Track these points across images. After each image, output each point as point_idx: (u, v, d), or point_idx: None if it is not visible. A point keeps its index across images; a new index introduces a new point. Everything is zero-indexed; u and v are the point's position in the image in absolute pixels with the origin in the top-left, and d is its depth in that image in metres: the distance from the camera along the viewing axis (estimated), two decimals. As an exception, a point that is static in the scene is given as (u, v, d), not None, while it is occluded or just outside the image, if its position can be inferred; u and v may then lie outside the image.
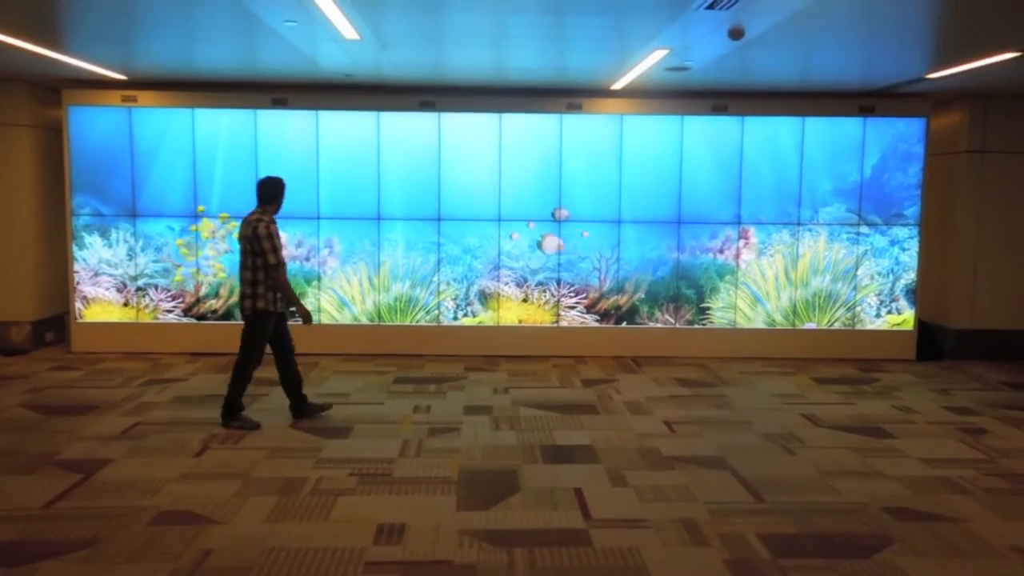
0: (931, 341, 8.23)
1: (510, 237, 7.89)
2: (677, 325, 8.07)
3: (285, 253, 6.20)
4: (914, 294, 8.06)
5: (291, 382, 5.72)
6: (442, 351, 8.00)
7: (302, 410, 5.77)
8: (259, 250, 5.33)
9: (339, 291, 7.99)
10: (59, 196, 7.97)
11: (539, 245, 7.92)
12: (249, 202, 7.69)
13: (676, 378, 7.19)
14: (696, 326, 8.07)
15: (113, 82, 7.64)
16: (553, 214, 7.90)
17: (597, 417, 5.96)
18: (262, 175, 5.69)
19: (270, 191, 5.51)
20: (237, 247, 5.69)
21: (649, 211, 7.96)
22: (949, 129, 8.20)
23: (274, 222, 5.44)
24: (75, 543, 3.78)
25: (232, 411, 5.55)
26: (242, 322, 5.54)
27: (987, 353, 8.15)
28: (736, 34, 5.04)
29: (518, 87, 7.78)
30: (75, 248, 7.86)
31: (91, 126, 7.76)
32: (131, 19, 5.23)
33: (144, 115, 7.78)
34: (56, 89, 7.86)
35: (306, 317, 5.61)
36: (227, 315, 7.94)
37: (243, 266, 5.43)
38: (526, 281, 8.00)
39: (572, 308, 8.05)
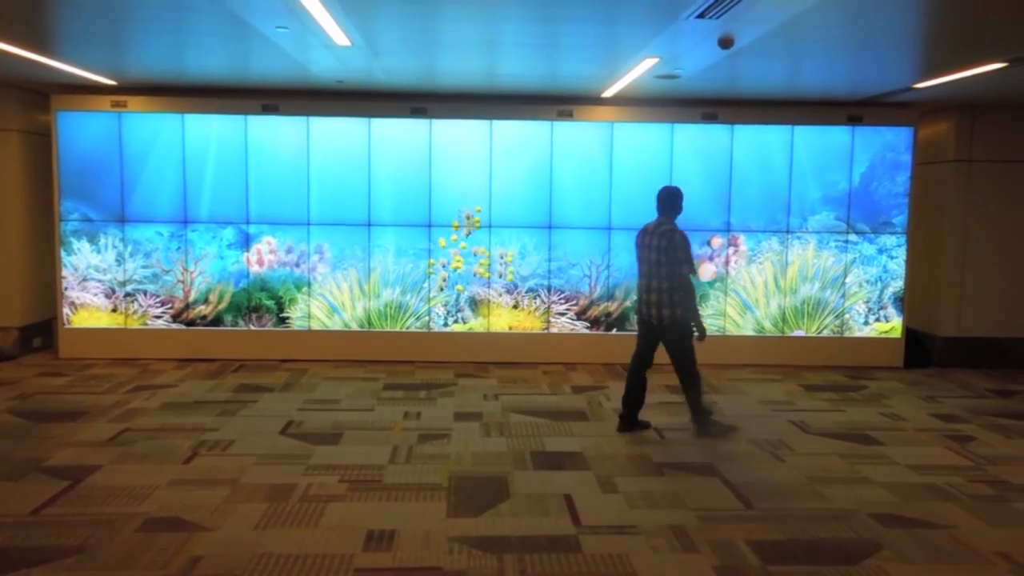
0: (919, 348, 8.29)
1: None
2: (667, 332, 8.08)
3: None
4: (902, 302, 8.11)
5: (634, 393, 5.75)
6: (432, 357, 7.99)
7: (629, 425, 5.78)
8: (679, 258, 5.39)
9: (329, 297, 7.98)
10: (47, 201, 7.93)
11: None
12: (241, 206, 7.86)
13: (665, 385, 7.20)
14: (686, 333, 8.09)
15: (103, 87, 7.61)
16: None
17: (587, 424, 5.97)
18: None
19: (678, 201, 5.61)
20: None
21: (639, 218, 7.90)
22: (937, 138, 8.27)
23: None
24: (63, 550, 3.76)
25: (704, 416, 5.66)
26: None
27: (974, 360, 8.20)
28: (726, 43, 5.07)
29: (509, 94, 7.79)
30: (63, 253, 7.82)
31: (80, 131, 7.73)
32: (121, 24, 5.21)
33: (134, 120, 7.75)
34: (45, 94, 7.82)
35: (703, 332, 5.55)
36: (216, 321, 7.92)
37: (653, 275, 5.49)
38: (516, 288, 8.01)
39: (562, 315, 8.06)
